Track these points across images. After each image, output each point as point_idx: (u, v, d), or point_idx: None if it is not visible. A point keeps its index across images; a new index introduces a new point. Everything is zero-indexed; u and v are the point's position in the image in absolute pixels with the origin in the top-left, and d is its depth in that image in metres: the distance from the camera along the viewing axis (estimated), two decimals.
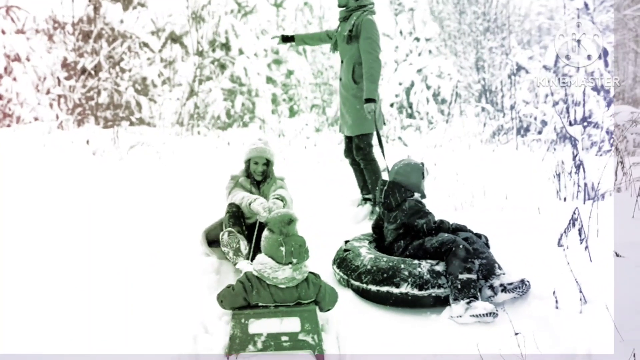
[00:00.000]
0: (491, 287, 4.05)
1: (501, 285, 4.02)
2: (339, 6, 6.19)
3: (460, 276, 3.94)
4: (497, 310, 3.78)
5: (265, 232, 3.61)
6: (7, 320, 3.56)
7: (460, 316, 3.81)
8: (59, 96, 16.64)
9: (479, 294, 3.95)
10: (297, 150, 10.32)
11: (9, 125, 16.33)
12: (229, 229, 4.60)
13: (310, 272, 3.65)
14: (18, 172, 6.51)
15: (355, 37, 5.96)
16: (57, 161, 8.71)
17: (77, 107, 15.83)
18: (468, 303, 3.84)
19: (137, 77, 16.72)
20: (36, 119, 16.00)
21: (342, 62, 6.22)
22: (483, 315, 3.75)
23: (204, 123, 14.69)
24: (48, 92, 17.37)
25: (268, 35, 22.64)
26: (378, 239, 4.83)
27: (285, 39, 6.67)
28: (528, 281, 4.03)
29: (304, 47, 22.90)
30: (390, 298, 4.07)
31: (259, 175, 5.09)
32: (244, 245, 4.53)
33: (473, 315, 3.77)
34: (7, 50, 19.59)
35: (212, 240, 5.01)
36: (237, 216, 4.85)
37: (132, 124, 15.48)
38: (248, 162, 5.11)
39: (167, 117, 16.84)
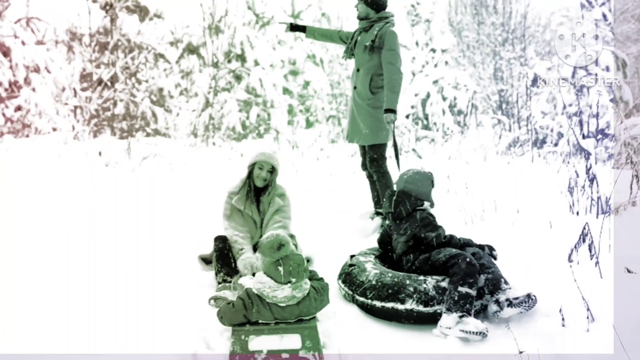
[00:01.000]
0: (497, 301, 3.97)
1: (507, 300, 3.94)
2: (359, 18, 6.21)
3: (460, 288, 3.86)
4: (487, 331, 3.70)
5: (259, 254, 3.59)
6: (18, 321, 3.65)
7: (450, 328, 3.75)
8: (75, 107, 16.77)
9: (473, 310, 3.86)
10: (310, 162, 10.28)
11: (27, 136, 16.48)
12: (214, 295, 4.28)
13: (314, 282, 3.63)
14: (31, 182, 6.53)
15: (377, 48, 5.97)
16: (70, 172, 8.75)
17: (93, 118, 15.95)
18: (460, 317, 3.76)
19: (154, 88, 16.81)
20: (55, 129, 16.15)
21: (357, 70, 6.21)
22: (472, 333, 3.67)
23: (219, 134, 14.71)
24: (66, 104, 17.53)
25: (286, 46, 22.74)
26: (384, 253, 4.77)
27: (294, 28, 6.62)
28: (534, 296, 3.93)
29: (321, 59, 22.95)
30: (395, 314, 4.01)
31: (261, 181, 4.98)
32: (232, 297, 4.35)
33: (462, 331, 3.70)
34: (26, 61, 19.81)
35: (210, 261, 4.96)
36: (225, 254, 4.70)
37: (148, 135, 15.57)
38: (252, 166, 5.00)
39: (182, 128, 16.91)
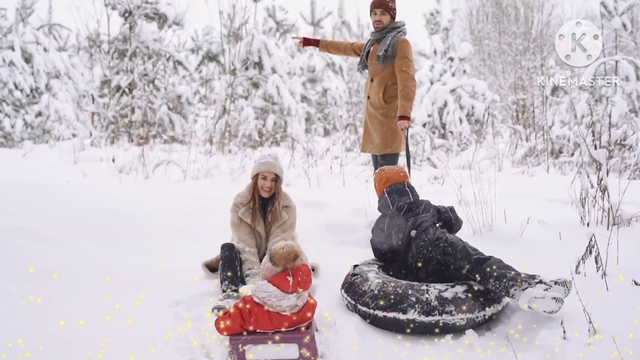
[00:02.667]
0: (540, 282, 3.89)
1: (550, 281, 3.91)
2: (381, 29, 6.22)
3: (513, 272, 3.94)
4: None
5: (269, 264, 3.55)
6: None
7: (543, 297, 3.72)
8: (93, 113, 16.91)
9: None
10: (323, 170, 10.25)
11: (47, 142, 16.65)
12: (217, 305, 4.24)
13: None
14: (41, 189, 6.57)
15: (390, 57, 5.98)
16: (82, 179, 8.82)
17: (111, 124, 16.07)
18: (546, 290, 3.77)
19: (172, 95, 16.90)
20: (75, 135, 16.30)
21: (371, 80, 6.22)
22: (561, 300, 3.71)
23: (235, 141, 14.74)
24: (86, 110, 17.70)
25: (305, 54, 22.79)
26: (387, 263, 4.77)
27: (307, 42, 6.67)
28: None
29: (340, 66, 22.96)
30: (396, 324, 3.98)
31: (266, 191, 4.97)
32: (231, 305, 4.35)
33: (554, 298, 3.70)
34: (47, 67, 20.06)
35: (214, 268, 4.97)
36: (231, 262, 4.70)
37: (165, 142, 15.65)
38: (256, 177, 4.99)
39: (199, 135, 16.97)
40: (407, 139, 5.96)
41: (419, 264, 4.49)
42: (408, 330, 3.94)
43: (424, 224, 4.63)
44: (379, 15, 6.19)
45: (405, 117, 5.82)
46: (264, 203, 5.08)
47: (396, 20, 6.21)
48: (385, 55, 6.01)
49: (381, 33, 6.16)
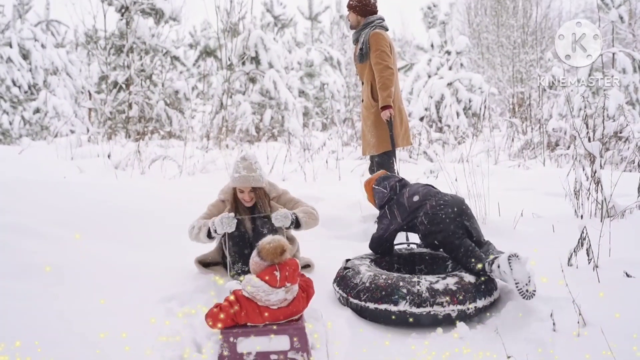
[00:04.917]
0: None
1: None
2: (351, 28, 6.33)
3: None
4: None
5: (257, 258, 3.56)
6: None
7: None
8: (90, 110, 16.91)
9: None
10: (319, 165, 10.21)
11: (44, 138, 16.64)
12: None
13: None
14: (36, 185, 6.57)
15: (366, 54, 6.04)
16: (78, 175, 8.81)
17: (108, 120, 16.05)
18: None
19: (170, 90, 16.88)
20: (73, 132, 16.29)
21: (362, 83, 6.27)
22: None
23: (232, 136, 14.72)
24: (83, 107, 17.70)
25: (303, 48, 22.73)
26: (380, 257, 4.79)
27: None
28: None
29: (338, 60, 22.91)
30: (388, 316, 3.99)
31: (246, 202, 4.70)
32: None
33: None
34: (46, 64, 20.04)
35: (207, 264, 4.89)
36: (244, 239, 4.63)
37: (162, 137, 15.63)
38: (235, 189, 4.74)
39: (196, 130, 16.96)
40: (390, 124, 6.00)
41: (432, 226, 4.54)
42: (399, 322, 3.96)
43: (420, 188, 4.80)
44: (348, 15, 6.34)
45: (387, 107, 5.93)
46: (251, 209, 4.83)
47: (374, 15, 6.24)
48: (361, 53, 6.12)
49: (357, 32, 6.26)
